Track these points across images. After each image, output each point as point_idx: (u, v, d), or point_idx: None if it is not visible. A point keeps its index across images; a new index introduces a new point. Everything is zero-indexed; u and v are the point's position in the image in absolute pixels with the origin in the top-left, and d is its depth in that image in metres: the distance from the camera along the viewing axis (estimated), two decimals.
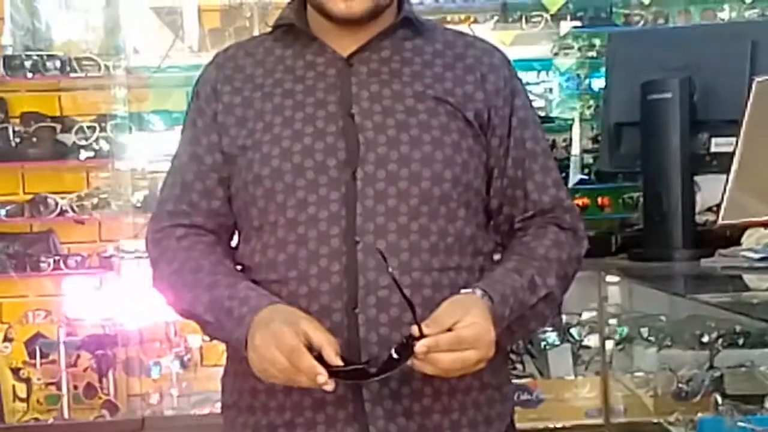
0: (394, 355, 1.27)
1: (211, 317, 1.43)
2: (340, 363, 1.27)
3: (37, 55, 3.29)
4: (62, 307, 3.29)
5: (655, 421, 2.45)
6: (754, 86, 2.11)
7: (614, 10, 3.59)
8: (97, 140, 3.31)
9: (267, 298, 1.38)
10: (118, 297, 3.24)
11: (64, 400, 3.13)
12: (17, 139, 3.34)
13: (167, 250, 1.50)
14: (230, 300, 1.40)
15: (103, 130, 3.25)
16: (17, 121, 3.35)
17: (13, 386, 3.12)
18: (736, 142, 2.08)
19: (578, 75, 3.49)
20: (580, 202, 3.17)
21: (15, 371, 3.13)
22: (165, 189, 1.57)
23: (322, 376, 1.26)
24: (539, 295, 1.47)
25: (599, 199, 3.27)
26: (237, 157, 1.48)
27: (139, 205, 3.22)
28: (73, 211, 3.26)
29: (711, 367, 2.41)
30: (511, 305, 1.40)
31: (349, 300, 1.39)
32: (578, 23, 3.45)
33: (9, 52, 3.30)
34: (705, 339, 2.48)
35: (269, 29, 1.65)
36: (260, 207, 1.47)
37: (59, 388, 3.12)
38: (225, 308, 1.41)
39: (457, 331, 1.28)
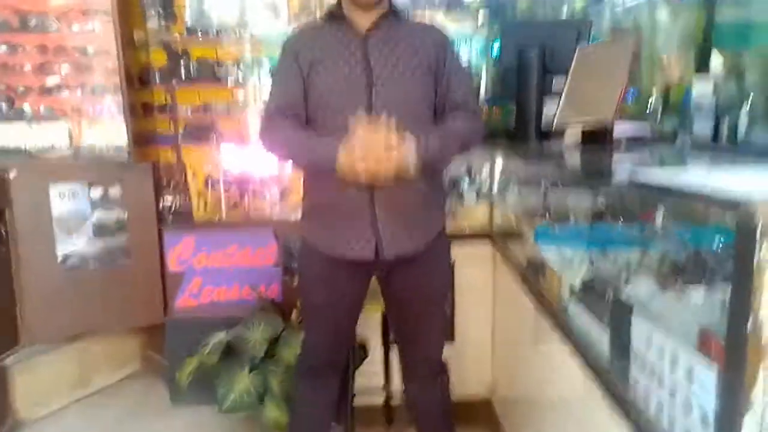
0: None
1: (312, 155, 1.62)
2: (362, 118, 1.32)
3: (208, 30, 3.53)
4: (222, 163, 3.62)
5: (515, 228, 2.68)
6: (577, 52, 2.47)
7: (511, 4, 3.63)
8: (235, 72, 3.58)
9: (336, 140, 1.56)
10: (250, 157, 3.55)
11: (223, 210, 3.51)
12: (195, 72, 3.58)
13: (278, 127, 1.73)
14: (319, 145, 1.61)
15: (239, 67, 3.60)
16: (195, 62, 3.58)
17: (197, 201, 3.49)
18: (566, 81, 2.42)
19: (487, 45, 3.59)
20: (484, 111, 3.33)
21: (198, 194, 3.47)
22: (271, 99, 1.81)
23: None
24: (450, 133, 1.66)
25: (494, 110, 3.37)
26: (308, 81, 1.71)
27: (261, 108, 3.26)
28: (228, 111, 3.65)
29: (545, 199, 2.52)
30: (431, 141, 1.62)
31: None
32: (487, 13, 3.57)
33: (189, 24, 3.54)
34: (542, 184, 2.54)
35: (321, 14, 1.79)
36: (321, 107, 1.71)
37: (220, 203, 3.51)
38: (317, 150, 1.59)
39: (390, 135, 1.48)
